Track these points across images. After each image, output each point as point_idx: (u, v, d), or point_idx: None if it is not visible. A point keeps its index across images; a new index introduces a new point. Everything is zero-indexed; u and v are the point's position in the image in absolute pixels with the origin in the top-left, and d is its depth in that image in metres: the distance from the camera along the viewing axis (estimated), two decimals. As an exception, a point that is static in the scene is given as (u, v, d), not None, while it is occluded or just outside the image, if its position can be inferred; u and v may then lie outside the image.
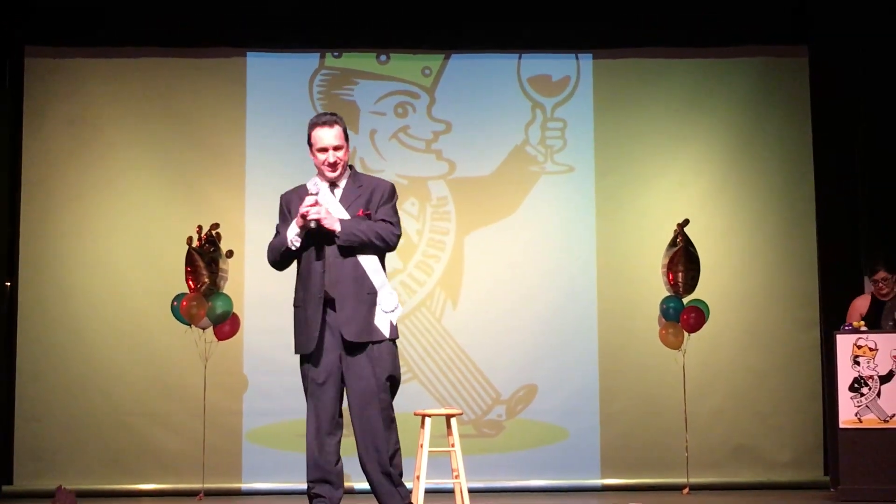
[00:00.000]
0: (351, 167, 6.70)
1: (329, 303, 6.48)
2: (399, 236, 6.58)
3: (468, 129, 11.08)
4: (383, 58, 11.14)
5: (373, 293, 6.46)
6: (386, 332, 6.48)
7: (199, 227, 9.85)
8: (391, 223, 6.49)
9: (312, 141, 6.52)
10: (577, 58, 11.21)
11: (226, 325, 9.90)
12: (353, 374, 6.49)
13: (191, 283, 9.77)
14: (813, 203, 11.03)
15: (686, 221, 10.20)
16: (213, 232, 9.87)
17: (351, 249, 6.42)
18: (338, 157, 6.47)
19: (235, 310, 10.01)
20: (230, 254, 10.02)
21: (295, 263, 6.73)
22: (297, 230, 6.44)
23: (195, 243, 9.82)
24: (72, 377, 10.59)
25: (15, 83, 10.86)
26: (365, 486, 6.68)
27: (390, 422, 6.49)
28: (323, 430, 6.51)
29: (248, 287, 10.73)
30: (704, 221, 10.72)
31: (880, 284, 9.56)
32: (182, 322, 9.81)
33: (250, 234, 10.80)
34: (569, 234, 11.01)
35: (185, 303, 9.68)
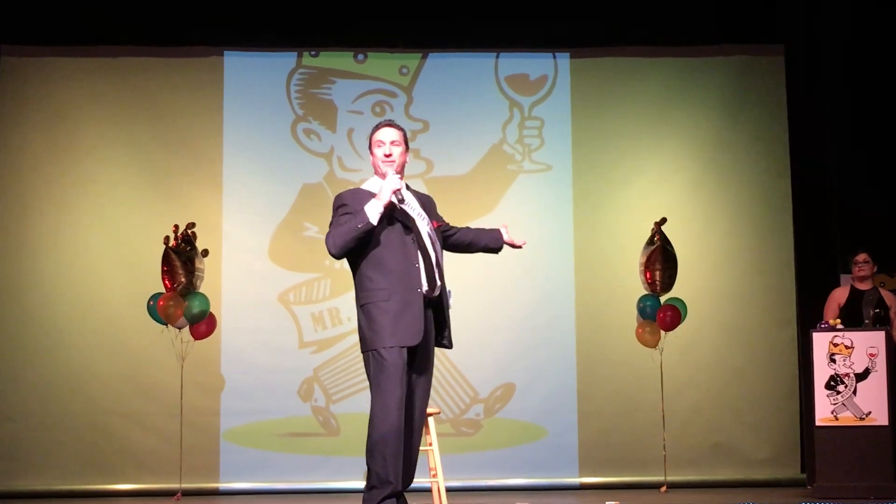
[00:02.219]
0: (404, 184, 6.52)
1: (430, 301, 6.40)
2: None
3: (446, 128, 11.09)
4: (361, 57, 11.14)
5: None
6: None
7: (176, 227, 9.83)
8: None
9: (372, 141, 6.51)
10: (554, 57, 11.23)
11: (202, 324, 9.88)
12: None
13: (167, 282, 9.74)
14: (790, 201, 11.07)
15: (663, 220, 10.21)
16: (189, 231, 9.84)
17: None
18: (392, 151, 6.42)
19: (212, 309, 9.99)
20: (205, 253, 10.00)
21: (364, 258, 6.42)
22: (381, 209, 6.22)
23: (172, 243, 9.79)
24: (48, 377, 10.55)
25: (-10, 82, 10.83)
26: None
27: None
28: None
29: (226, 286, 10.71)
30: (682, 220, 10.74)
31: (860, 266, 9.60)
32: (158, 321, 9.78)
33: (227, 233, 10.79)
34: (546, 233, 11.02)
35: (161, 302, 9.66)
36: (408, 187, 6.53)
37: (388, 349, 6.18)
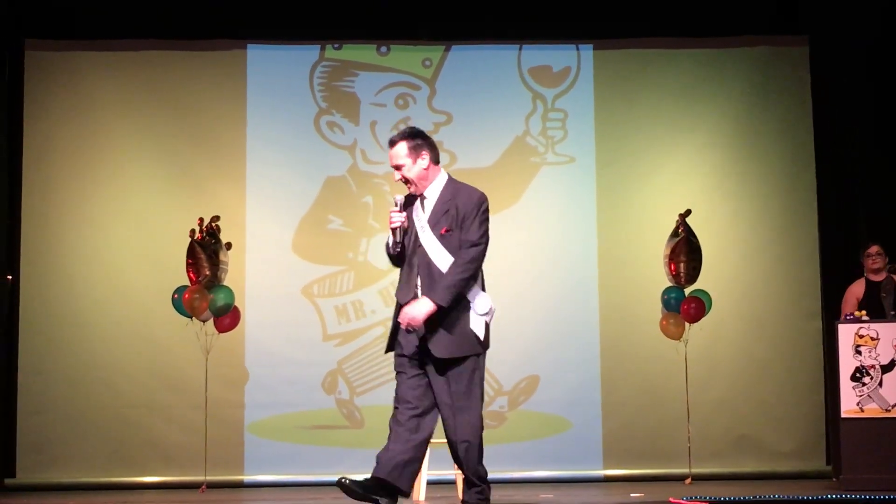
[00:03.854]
0: (449, 177, 6.66)
1: None
2: (482, 251, 6.58)
3: (469, 121, 11.08)
4: (384, 49, 11.14)
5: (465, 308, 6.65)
6: None
7: (201, 220, 9.85)
8: (472, 243, 6.52)
9: None
10: (577, 48, 11.20)
11: (226, 317, 9.89)
12: None
13: (192, 275, 9.76)
14: (814, 192, 11.03)
15: (688, 212, 10.18)
16: (214, 224, 9.86)
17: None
18: (402, 175, 6.53)
19: (236, 302, 10.00)
20: (229, 246, 10.02)
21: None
22: (391, 238, 6.59)
23: (197, 236, 9.81)
24: (73, 370, 10.60)
25: (15, 77, 10.86)
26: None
27: None
28: None
29: (249, 279, 10.74)
30: (706, 211, 10.70)
31: (873, 258, 9.59)
32: (183, 314, 9.80)
33: (251, 226, 10.81)
34: (570, 225, 11.01)
35: (187, 295, 9.68)
36: (449, 178, 6.63)
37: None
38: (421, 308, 6.33)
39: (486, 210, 6.62)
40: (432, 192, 6.55)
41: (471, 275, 6.46)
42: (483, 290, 6.64)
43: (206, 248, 9.78)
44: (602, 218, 11.02)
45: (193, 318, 9.77)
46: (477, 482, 6.54)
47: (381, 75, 11.12)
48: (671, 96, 11.13)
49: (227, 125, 10.94)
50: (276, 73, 11.04)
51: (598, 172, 11.07)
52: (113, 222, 10.79)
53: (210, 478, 10.03)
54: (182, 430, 10.52)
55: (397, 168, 6.52)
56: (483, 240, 6.55)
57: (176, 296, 9.81)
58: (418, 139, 6.54)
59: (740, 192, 11.07)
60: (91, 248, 10.76)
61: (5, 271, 10.73)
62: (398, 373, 6.56)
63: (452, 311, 6.44)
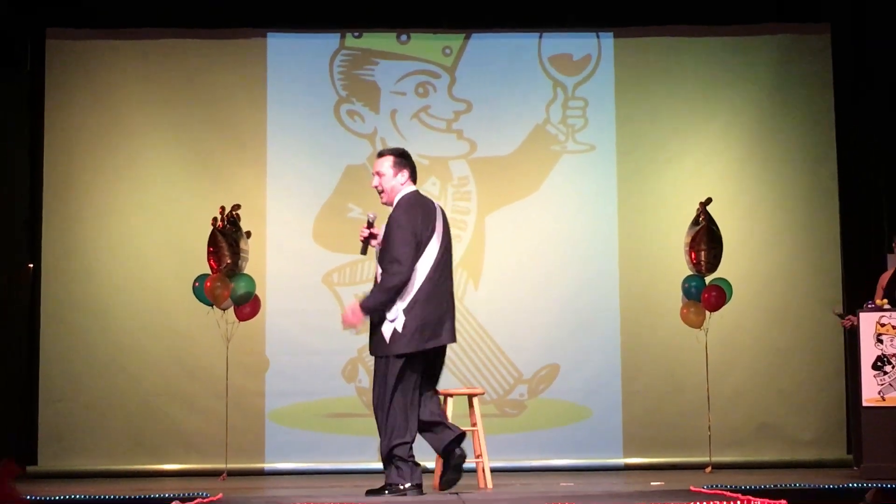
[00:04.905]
0: (415, 192, 7.35)
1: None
2: (396, 275, 7.04)
3: (489, 109, 11.08)
4: (404, 38, 11.13)
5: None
6: None
7: (222, 208, 9.86)
8: (385, 272, 7.12)
9: None
10: (597, 36, 11.18)
11: (247, 306, 9.91)
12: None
13: (213, 263, 9.78)
14: (836, 181, 11.00)
15: (709, 200, 10.15)
16: (235, 213, 9.88)
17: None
18: (378, 182, 7.32)
19: (256, 290, 10.01)
20: (249, 234, 10.04)
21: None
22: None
23: (218, 224, 9.83)
24: (94, 358, 10.65)
25: (36, 66, 10.90)
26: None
27: None
28: None
29: (270, 268, 10.76)
30: (727, 200, 10.68)
31: None
32: (204, 303, 9.82)
33: (272, 214, 10.84)
34: (590, 214, 11.00)
35: (208, 283, 9.69)
36: (416, 194, 7.33)
37: None
38: (351, 321, 7.21)
39: (403, 221, 7.16)
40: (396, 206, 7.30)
41: (387, 295, 7.07)
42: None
43: (228, 237, 9.79)
44: (622, 206, 11.01)
45: (214, 306, 9.79)
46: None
47: (401, 63, 11.12)
48: (692, 84, 11.11)
49: (248, 114, 10.96)
50: (297, 61, 11.06)
51: (618, 161, 11.05)
52: (133, 211, 10.82)
53: (231, 466, 10.06)
54: (203, 418, 10.56)
55: (378, 174, 7.29)
56: (392, 266, 7.09)
57: (197, 284, 9.82)
58: (403, 159, 7.33)
59: (761, 180, 11.04)
60: (111, 236, 10.80)
61: (27, 260, 10.79)
62: None
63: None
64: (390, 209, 7.27)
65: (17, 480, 4.99)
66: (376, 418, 7.17)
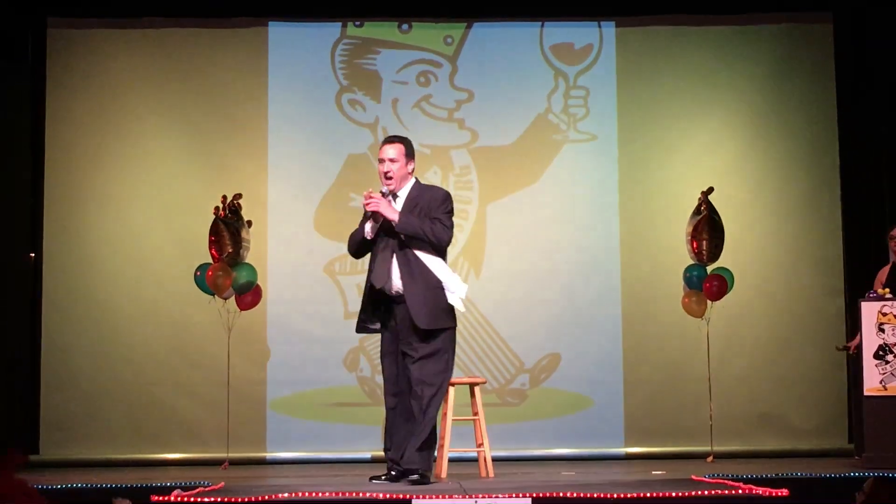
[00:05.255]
0: (417, 180, 7.42)
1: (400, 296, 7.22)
2: (450, 236, 7.30)
3: (491, 98, 11.07)
4: (405, 27, 11.12)
5: (438, 286, 7.21)
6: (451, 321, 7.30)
7: (224, 198, 9.85)
8: (443, 224, 7.24)
9: (378, 156, 7.38)
10: (599, 25, 11.17)
11: (248, 295, 9.91)
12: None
13: (214, 252, 9.78)
14: (837, 171, 10.99)
15: (710, 189, 10.15)
16: (236, 202, 9.87)
17: (410, 242, 7.20)
18: (391, 168, 7.27)
19: (258, 280, 10.01)
20: (250, 224, 10.03)
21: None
22: (370, 223, 7.24)
23: (220, 213, 9.83)
24: (96, 347, 10.66)
25: (37, 55, 10.89)
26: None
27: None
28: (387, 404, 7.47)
29: (271, 257, 10.76)
30: (729, 189, 10.68)
31: None
32: (206, 292, 9.82)
33: (273, 203, 10.84)
34: (592, 203, 11.00)
35: (210, 272, 9.69)
36: (417, 182, 7.40)
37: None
38: (390, 210, 7.19)
39: (451, 204, 7.39)
40: (402, 193, 7.32)
41: (431, 237, 7.17)
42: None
43: (229, 226, 9.79)
44: (624, 196, 11.00)
45: (216, 295, 9.79)
46: None
47: (402, 53, 11.11)
48: (693, 73, 11.10)
49: (249, 103, 10.96)
50: (298, 50, 11.05)
51: (619, 150, 11.05)
52: (135, 200, 10.82)
53: (232, 455, 10.06)
54: (204, 407, 10.57)
55: (391, 161, 7.27)
56: (449, 226, 7.29)
57: (198, 273, 9.83)
58: (412, 149, 7.41)
59: (763, 169, 11.04)
60: (113, 225, 10.80)
61: (28, 249, 10.78)
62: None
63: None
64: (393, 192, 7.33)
65: (22, 470, 4.98)
66: (421, 396, 7.12)
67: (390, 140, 7.38)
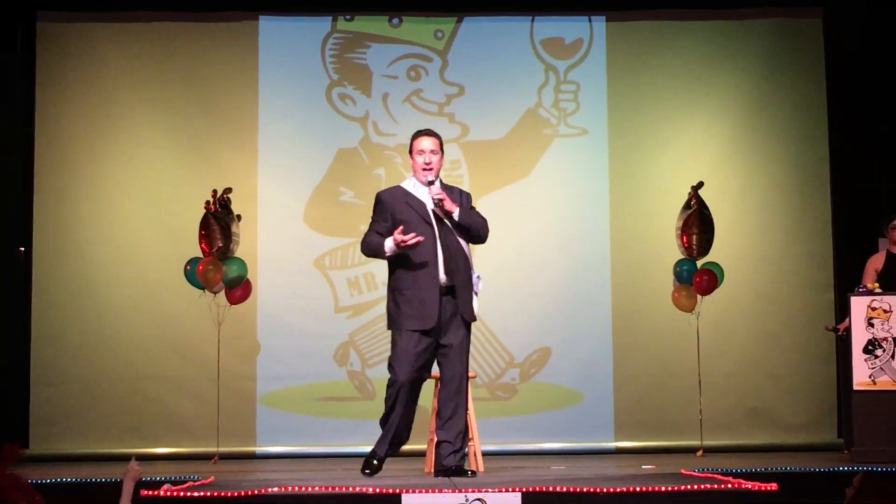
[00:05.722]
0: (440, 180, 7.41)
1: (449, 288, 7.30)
2: (487, 232, 7.48)
3: (481, 93, 11.07)
4: (396, 21, 11.11)
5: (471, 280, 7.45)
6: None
7: (214, 192, 9.84)
8: (485, 223, 7.46)
9: (413, 147, 7.43)
10: (590, 20, 11.17)
11: (238, 289, 9.90)
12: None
13: (204, 246, 9.76)
14: (827, 165, 11.01)
15: (700, 184, 10.16)
16: (226, 196, 9.86)
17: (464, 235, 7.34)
18: (432, 160, 7.34)
19: (248, 274, 10.00)
20: (239, 218, 10.02)
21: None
22: (394, 247, 7.19)
23: (210, 207, 9.81)
24: (86, 341, 10.64)
25: (27, 48, 10.86)
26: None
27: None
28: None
29: (261, 251, 10.75)
30: (719, 184, 10.68)
31: None
32: (196, 286, 9.81)
33: (263, 197, 10.82)
34: (582, 197, 11.00)
35: (200, 267, 9.68)
36: (442, 184, 7.36)
37: (407, 332, 7.18)
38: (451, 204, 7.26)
39: None
40: (436, 185, 7.33)
41: (482, 231, 7.41)
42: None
43: (219, 220, 9.78)
44: (614, 190, 11.01)
45: (206, 289, 9.78)
46: None
47: (393, 47, 11.10)
48: (684, 68, 11.10)
49: (239, 97, 10.95)
50: (288, 44, 11.04)
51: (610, 145, 11.05)
52: (125, 194, 10.81)
53: (222, 449, 10.05)
54: (194, 401, 10.56)
55: (432, 152, 7.35)
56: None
57: (188, 267, 9.82)
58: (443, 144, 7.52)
59: (753, 164, 11.05)
60: (103, 219, 10.78)
61: (18, 243, 10.76)
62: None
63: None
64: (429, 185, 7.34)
65: (17, 464, 4.96)
66: (457, 392, 7.28)
67: (428, 133, 7.46)
